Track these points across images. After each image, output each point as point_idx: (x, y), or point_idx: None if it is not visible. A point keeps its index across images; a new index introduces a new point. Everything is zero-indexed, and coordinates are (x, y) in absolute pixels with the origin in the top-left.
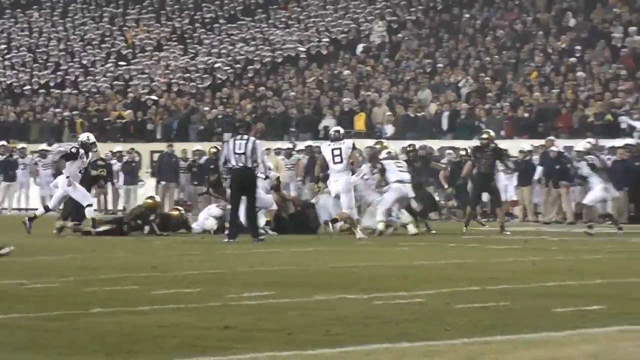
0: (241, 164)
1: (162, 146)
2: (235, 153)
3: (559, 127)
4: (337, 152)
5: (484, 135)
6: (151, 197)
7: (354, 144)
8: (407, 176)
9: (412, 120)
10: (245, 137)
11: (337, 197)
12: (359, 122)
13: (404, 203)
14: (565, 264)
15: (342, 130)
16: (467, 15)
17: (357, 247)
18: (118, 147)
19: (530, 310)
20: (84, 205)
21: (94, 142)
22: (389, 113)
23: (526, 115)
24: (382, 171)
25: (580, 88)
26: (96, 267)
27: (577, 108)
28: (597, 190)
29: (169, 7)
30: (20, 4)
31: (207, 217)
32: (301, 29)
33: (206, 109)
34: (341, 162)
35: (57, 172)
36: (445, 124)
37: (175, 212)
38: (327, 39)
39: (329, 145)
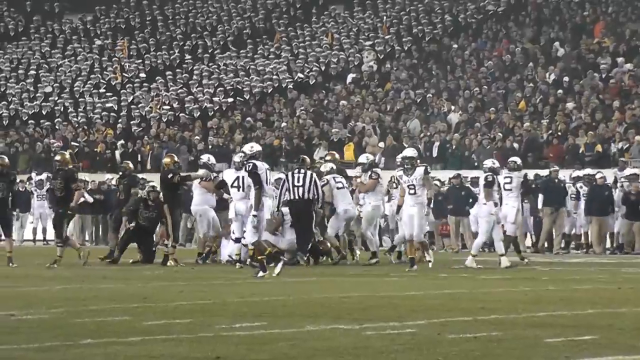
0: (298, 196)
1: (152, 177)
2: (294, 185)
3: (550, 157)
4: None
5: None
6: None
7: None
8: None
9: (401, 150)
10: (303, 170)
11: None
12: (348, 152)
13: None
14: (556, 293)
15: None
16: (455, 46)
17: (348, 277)
18: (108, 177)
19: (521, 340)
20: None
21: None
22: (380, 143)
23: (515, 145)
24: None
25: (571, 118)
26: (86, 298)
27: (567, 138)
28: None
29: (158, 37)
30: (8, 36)
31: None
32: (290, 59)
33: (197, 138)
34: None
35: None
36: (435, 154)
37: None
38: (316, 69)
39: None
